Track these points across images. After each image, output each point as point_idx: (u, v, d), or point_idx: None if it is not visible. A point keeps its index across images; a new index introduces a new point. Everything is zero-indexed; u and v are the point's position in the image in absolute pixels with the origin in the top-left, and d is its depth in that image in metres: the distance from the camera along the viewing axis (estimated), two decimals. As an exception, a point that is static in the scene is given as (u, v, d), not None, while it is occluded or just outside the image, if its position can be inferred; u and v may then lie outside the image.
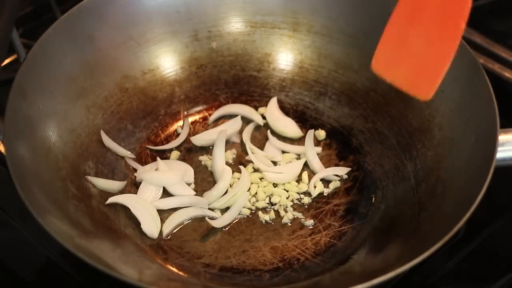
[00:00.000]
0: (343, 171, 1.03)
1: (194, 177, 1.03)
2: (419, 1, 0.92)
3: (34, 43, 0.97)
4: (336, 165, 1.05)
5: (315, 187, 1.01)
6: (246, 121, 1.10)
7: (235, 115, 1.10)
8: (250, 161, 1.03)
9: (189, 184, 1.02)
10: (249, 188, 1.00)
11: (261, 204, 0.99)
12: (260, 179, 1.02)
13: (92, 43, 1.04)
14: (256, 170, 1.03)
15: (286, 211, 0.98)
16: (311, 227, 0.97)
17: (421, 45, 0.92)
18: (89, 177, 0.98)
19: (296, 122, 1.11)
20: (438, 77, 0.89)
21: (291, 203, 1.00)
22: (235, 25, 1.14)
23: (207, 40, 1.13)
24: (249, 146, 1.04)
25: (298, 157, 1.06)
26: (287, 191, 1.01)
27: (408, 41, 0.93)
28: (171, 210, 0.98)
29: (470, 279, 0.95)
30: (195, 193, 1.00)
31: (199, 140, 1.06)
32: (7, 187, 0.83)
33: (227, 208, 0.98)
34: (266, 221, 0.98)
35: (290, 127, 1.09)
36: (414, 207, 0.94)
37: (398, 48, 0.94)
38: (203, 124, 1.11)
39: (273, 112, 1.11)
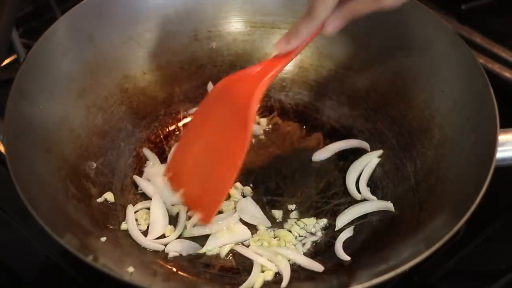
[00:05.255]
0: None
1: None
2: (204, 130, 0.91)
3: (34, 43, 0.97)
4: (336, 165, 1.05)
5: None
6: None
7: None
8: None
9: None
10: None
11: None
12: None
13: (92, 43, 1.04)
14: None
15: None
16: (311, 227, 0.97)
17: (203, 171, 0.92)
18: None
19: (296, 122, 1.11)
20: (214, 207, 0.90)
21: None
22: (235, 25, 1.14)
23: (207, 40, 1.13)
24: None
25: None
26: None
27: (194, 163, 0.93)
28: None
29: (470, 279, 0.95)
30: None
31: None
32: (7, 187, 0.83)
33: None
34: None
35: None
36: (414, 207, 0.94)
37: (186, 166, 0.94)
38: (203, 124, 1.11)
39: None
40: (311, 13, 0.82)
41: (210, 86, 1.12)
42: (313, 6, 0.81)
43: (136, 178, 1.01)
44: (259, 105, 0.85)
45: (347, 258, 0.92)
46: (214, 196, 0.90)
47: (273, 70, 0.86)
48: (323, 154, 1.05)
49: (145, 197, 1.00)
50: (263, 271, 0.91)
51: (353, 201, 1.00)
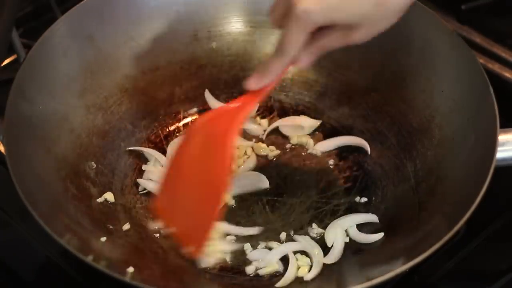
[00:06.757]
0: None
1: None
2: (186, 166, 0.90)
3: (34, 43, 0.97)
4: (336, 165, 1.05)
5: None
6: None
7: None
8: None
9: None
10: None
11: None
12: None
13: (92, 43, 1.04)
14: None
15: None
16: (311, 227, 0.97)
17: (190, 207, 0.90)
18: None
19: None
20: (202, 241, 0.88)
21: None
22: (235, 25, 1.14)
23: (207, 40, 1.13)
24: None
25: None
26: None
27: (180, 196, 0.91)
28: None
29: (470, 279, 0.95)
30: None
31: None
32: (7, 187, 0.83)
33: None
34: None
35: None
36: (414, 207, 0.94)
37: (173, 202, 0.92)
38: (203, 124, 1.11)
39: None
40: (281, 50, 0.80)
41: (207, 93, 1.11)
42: (283, 43, 0.80)
43: (140, 180, 1.01)
44: (236, 135, 0.87)
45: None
46: (202, 230, 0.88)
47: (248, 108, 0.88)
48: (325, 145, 1.07)
49: (145, 197, 1.00)
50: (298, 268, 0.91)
51: (353, 202, 1.00)
